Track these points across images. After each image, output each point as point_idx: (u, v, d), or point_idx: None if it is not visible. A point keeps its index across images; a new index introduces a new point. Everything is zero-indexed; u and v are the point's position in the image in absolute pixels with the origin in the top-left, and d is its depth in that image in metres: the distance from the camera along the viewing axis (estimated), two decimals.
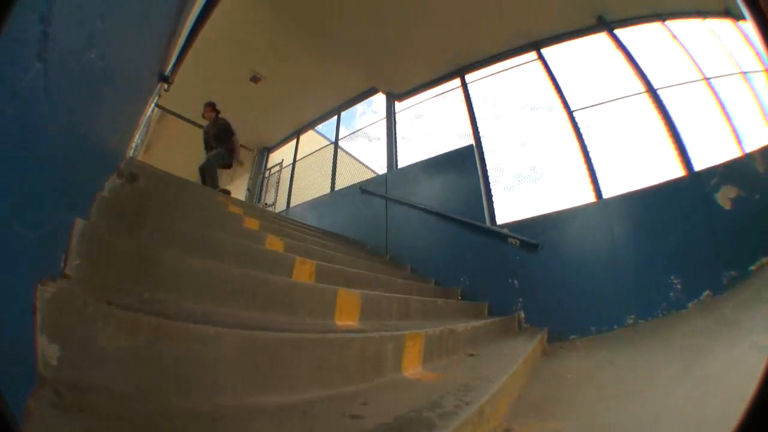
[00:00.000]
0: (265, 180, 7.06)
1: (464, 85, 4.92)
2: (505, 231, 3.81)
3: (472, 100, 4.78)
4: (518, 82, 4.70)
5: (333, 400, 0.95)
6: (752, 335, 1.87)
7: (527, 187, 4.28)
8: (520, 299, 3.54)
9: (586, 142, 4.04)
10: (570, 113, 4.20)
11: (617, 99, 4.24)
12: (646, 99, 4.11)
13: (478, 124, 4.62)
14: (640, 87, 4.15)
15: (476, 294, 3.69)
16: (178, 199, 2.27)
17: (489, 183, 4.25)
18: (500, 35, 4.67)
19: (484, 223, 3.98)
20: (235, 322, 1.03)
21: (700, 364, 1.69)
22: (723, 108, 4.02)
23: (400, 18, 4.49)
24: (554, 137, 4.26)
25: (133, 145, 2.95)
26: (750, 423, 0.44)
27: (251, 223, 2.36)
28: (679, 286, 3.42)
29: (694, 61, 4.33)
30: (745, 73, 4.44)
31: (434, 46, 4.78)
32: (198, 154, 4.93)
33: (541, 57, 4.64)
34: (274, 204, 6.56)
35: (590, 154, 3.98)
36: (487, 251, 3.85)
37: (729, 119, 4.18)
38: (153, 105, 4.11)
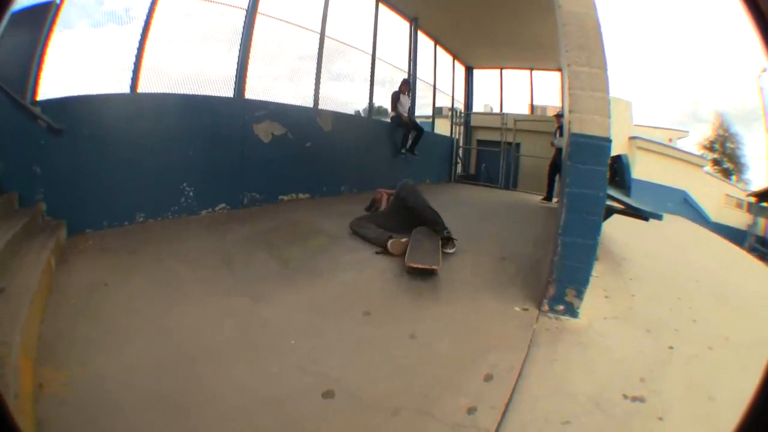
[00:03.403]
0: None
1: None
2: (37, 110, 2.86)
3: None
4: None
5: None
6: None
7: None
8: (42, 189, 2.97)
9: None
10: None
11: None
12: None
13: None
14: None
15: None
16: None
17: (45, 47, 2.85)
18: None
19: (21, 94, 2.77)
20: None
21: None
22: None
23: None
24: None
25: None
26: (750, 423, 0.43)
27: None
28: (191, 194, 3.68)
29: None
30: None
31: None
32: None
33: None
34: None
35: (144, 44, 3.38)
36: (9, 129, 2.82)
37: None
38: None
